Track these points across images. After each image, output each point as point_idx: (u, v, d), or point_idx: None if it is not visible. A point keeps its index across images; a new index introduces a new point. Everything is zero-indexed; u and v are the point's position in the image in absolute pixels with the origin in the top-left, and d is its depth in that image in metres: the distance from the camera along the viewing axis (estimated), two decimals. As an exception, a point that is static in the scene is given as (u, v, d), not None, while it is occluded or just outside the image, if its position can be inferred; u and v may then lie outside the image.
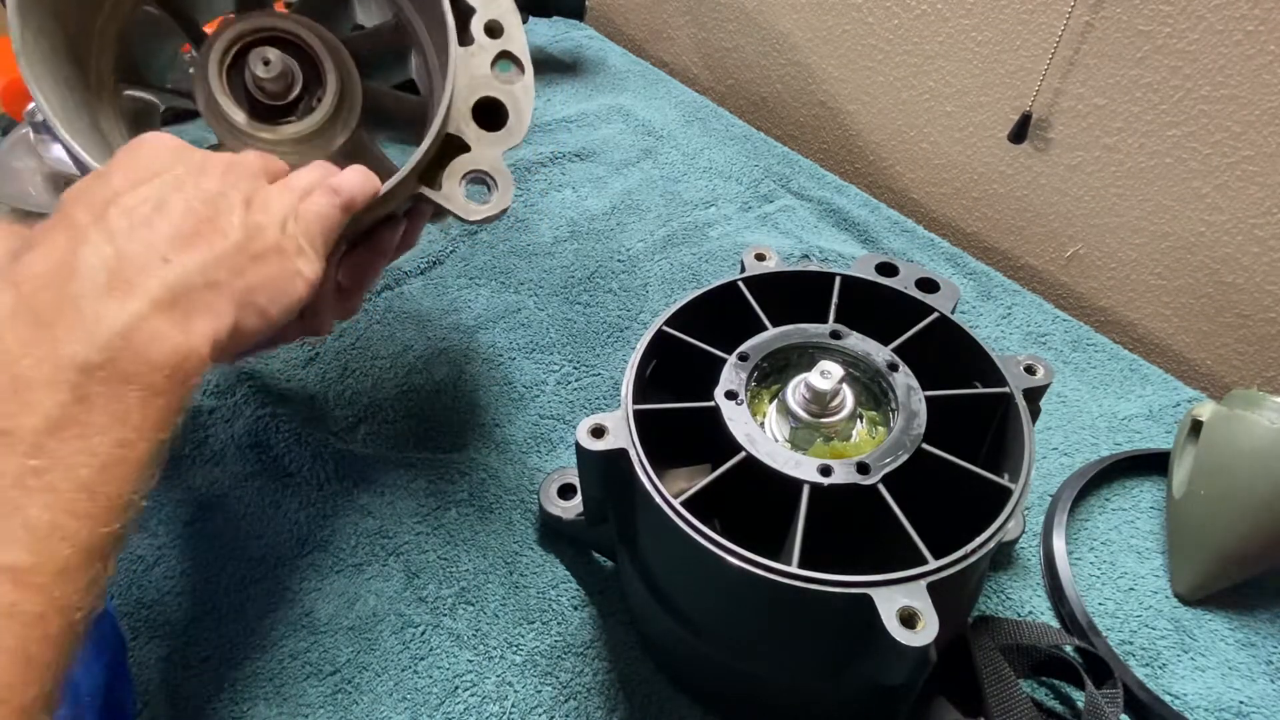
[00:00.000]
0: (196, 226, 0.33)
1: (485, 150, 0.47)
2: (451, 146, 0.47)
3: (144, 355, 0.29)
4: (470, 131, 0.47)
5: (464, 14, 0.46)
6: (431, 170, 0.46)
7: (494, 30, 0.47)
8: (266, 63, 0.44)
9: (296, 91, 0.47)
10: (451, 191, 0.47)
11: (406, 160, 0.44)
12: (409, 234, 0.48)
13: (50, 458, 0.27)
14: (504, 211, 0.47)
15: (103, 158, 0.40)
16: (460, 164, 0.47)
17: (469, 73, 0.47)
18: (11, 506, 0.26)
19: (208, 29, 0.47)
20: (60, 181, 0.81)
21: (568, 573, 0.54)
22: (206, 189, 0.34)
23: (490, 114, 0.48)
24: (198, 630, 0.51)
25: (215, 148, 0.49)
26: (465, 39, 0.46)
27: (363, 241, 0.45)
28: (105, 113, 0.46)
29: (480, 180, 0.48)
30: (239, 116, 0.46)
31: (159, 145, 0.35)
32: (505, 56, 0.48)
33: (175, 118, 0.83)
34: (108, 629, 0.44)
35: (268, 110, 0.47)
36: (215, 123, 0.46)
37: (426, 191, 0.46)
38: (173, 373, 0.30)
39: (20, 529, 0.26)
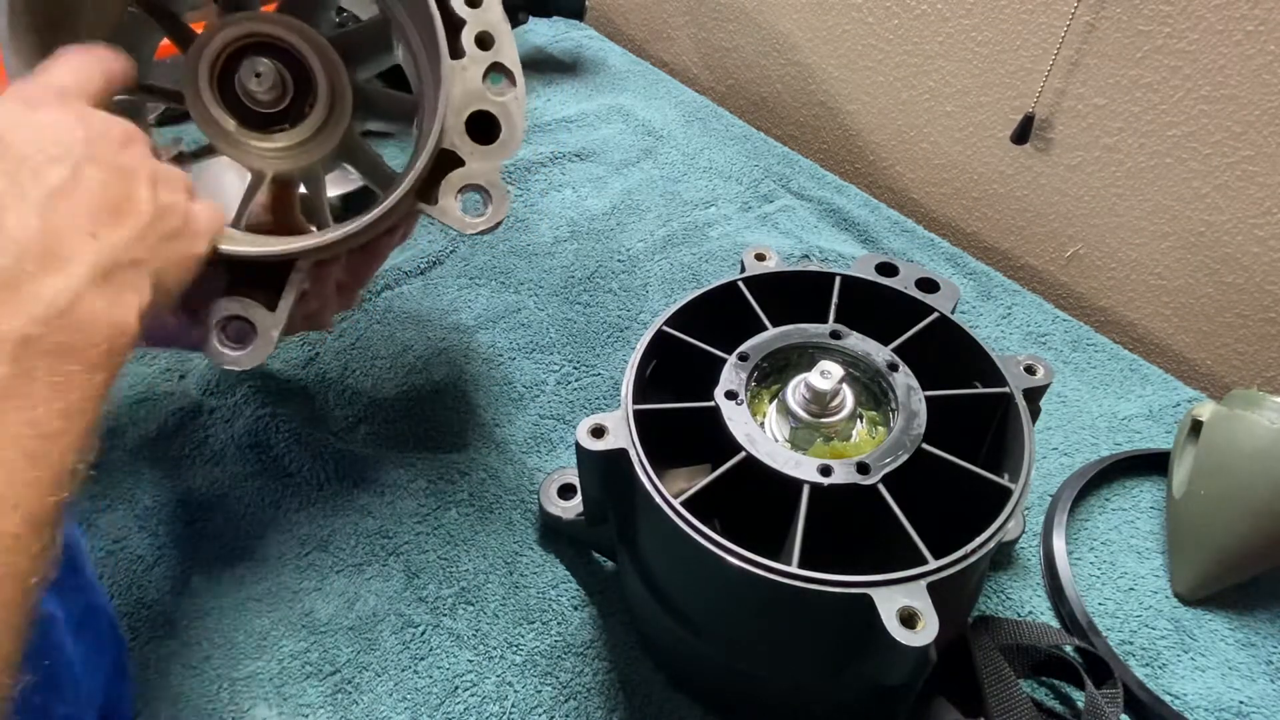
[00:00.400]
0: (116, 202, 0.33)
1: (480, 163, 0.48)
2: (446, 160, 0.47)
3: (82, 330, 0.30)
4: (464, 145, 0.47)
5: (454, 26, 0.46)
6: (428, 185, 0.47)
7: (485, 42, 0.47)
8: (258, 75, 0.44)
9: (288, 101, 0.47)
10: (448, 205, 0.47)
11: (403, 164, 0.44)
12: (404, 235, 0.50)
13: None
14: (499, 224, 0.48)
15: None
16: (456, 178, 0.47)
17: (462, 86, 0.47)
18: None
19: (195, 26, 0.47)
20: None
21: (568, 573, 0.54)
22: (119, 163, 0.34)
23: (483, 127, 0.48)
24: (198, 630, 0.51)
25: (208, 149, 0.49)
26: (456, 51, 0.46)
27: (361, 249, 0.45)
28: None
29: (476, 192, 0.48)
30: (230, 124, 0.46)
31: (57, 112, 0.35)
32: (497, 68, 0.48)
33: (172, 119, 0.83)
34: (107, 629, 0.44)
35: (260, 119, 0.47)
36: (206, 127, 0.46)
37: (423, 207, 0.47)
38: (109, 347, 0.31)
39: None
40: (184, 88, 0.45)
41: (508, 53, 0.47)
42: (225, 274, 0.44)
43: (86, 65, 0.37)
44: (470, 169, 0.47)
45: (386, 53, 0.50)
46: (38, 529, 0.28)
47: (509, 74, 0.48)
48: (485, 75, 0.47)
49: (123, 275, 0.32)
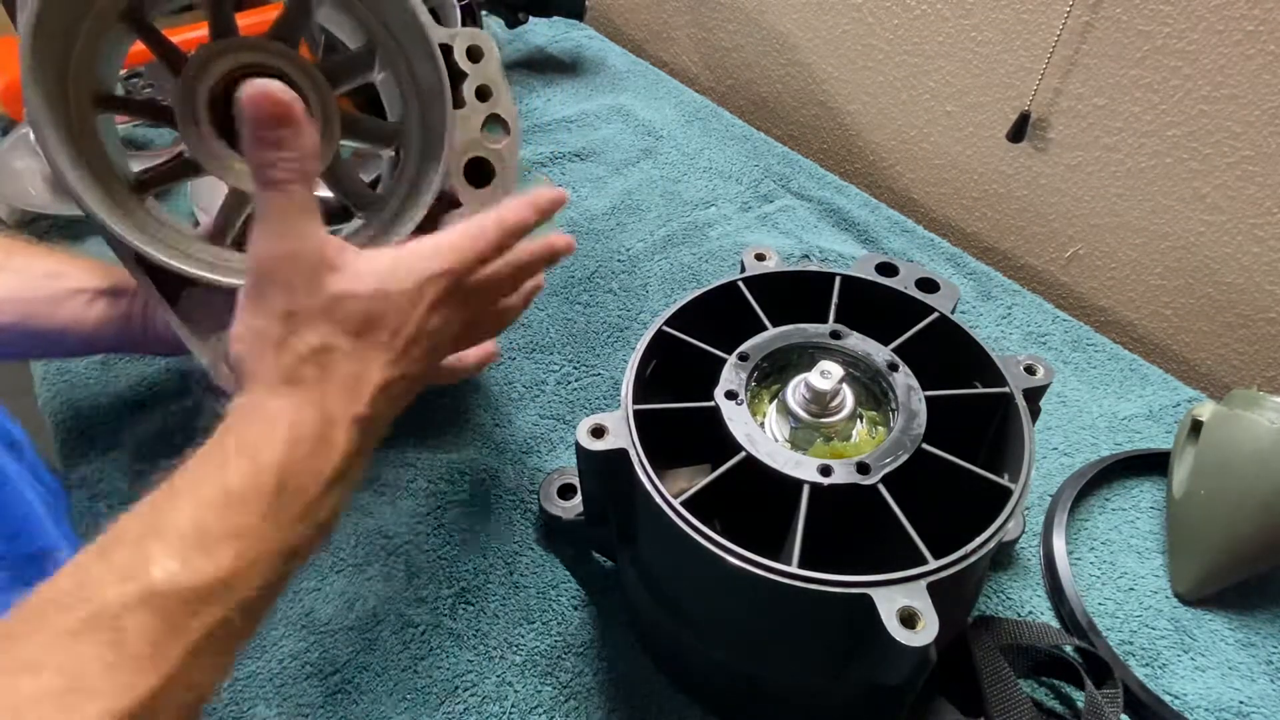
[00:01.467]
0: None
1: (474, 205, 0.51)
2: (443, 202, 0.50)
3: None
4: (462, 188, 0.51)
5: (456, 77, 0.49)
6: (426, 225, 0.50)
7: (484, 94, 0.51)
8: None
9: None
10: None
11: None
12: None
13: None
14: None
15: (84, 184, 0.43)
16: (451, 219, 0.51)
17: (462, 134, 0.50)
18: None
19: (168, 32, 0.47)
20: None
21: (568, 573, 0.54)
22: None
23: (479, 172, 0.52)
24: (198, 630, 0.51)
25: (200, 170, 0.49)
26: (458, 100, 0.49)
27: None
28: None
29: None
30: (224, 149, 0.46)
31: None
32: (494, 119, 0.51)
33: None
34: None
35: None
36: (198, 149, 0.46)
37: None
38: None
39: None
40: (177, 112, 0.46)
41: (505, 104, 0.51)
42: (233, 302, 0.45)
43: None
44: (464, 211, 0.51)
45: (367, 75, 0.51)
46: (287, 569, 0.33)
47: (505, 124, 0.52)
48: (483, 125, 0.51)
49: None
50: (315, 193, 0.37)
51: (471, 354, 0.50)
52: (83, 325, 0.52)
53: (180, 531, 0.30)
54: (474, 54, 0.50)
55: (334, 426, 0.34)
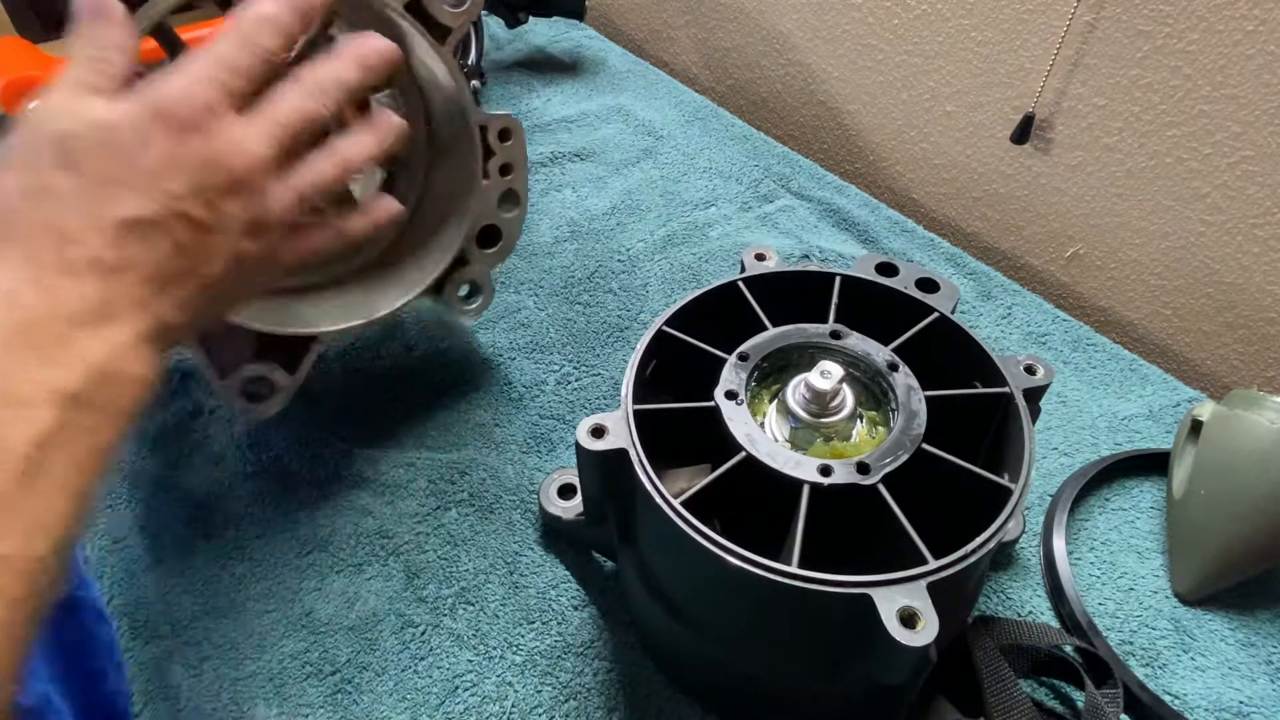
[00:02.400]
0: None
1: (480, 265, 0.59)
2: (455, 261, 0.58)
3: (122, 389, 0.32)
4: (472, 250, 0.58)
5: (487, 153, 0.55)
6: (439, 281, 0.58)
7: (506, 170, 0.57)
8: None
9: None
10: (450, 297, 0.59)
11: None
12: None
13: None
14: (483, 309, 0.61)
15: None
16: (460, 277, 0.59)
17: (480, 205, 0.56)
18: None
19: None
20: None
21: (568, 573, 0.54)
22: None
23: (489, 237, 0.59)
24: (198, 630, 0.51)
25: None
26: (485, 171, 0.56)
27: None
28: None
29: (472, 286, 0.61)
30: None
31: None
32: (510, 195, 0.58)
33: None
34: (105, 629, 0.44)
35: None
36: None
37: (431, 300, 0.59)
38: (140, 399, 0.33)
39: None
40: None
41: (521, 180, 0.58)
42: (254, 340, 0.52)
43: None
44: (472, 269, 0.59)
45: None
46: (60, 554, 0.28)
47: (517, 197, 0.59)
48: (500, 199, 0.58)
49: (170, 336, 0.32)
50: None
51: (373, 208, 0.40)
52: None
53: None
54: (504, 135, 0.56)
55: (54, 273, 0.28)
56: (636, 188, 0.86)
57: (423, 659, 0.50)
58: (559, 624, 0.52)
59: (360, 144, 0.37)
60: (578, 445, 0.42)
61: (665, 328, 0.48)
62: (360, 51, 0.36)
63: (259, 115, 0.33)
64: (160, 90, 0.31)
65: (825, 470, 0.39)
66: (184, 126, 0.31)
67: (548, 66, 1.06)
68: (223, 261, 0.33)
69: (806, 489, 0.39)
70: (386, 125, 0.38)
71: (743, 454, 0.40)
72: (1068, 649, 0.48)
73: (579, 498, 0.53)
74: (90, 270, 0.29)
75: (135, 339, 0.30)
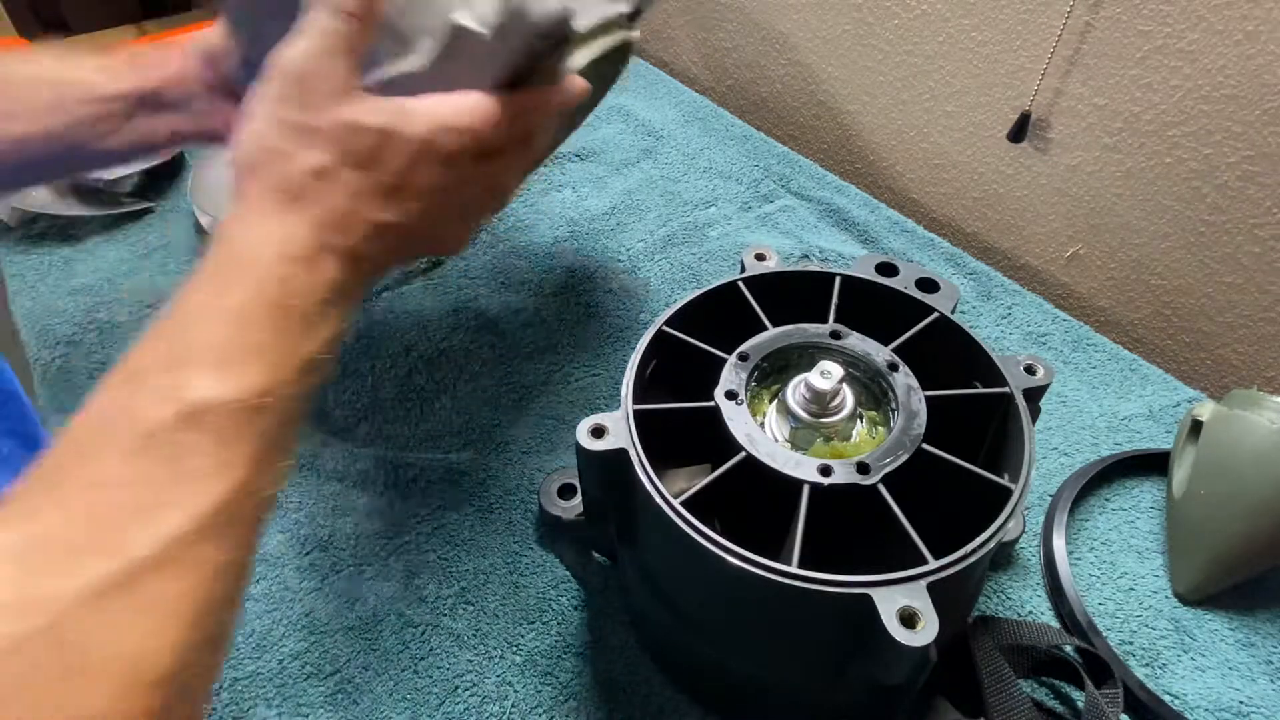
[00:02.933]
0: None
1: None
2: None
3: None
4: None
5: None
6: None
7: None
8: None
9: None
10: None
11: None
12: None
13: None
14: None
15: None
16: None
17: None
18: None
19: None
20: (61, 183, 0.81)
21: (567, 573, 0.54)
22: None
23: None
24: (198, 630, 0.51)
25: None
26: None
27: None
28: None
29: None
30: None
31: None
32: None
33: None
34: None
35: None
36: None
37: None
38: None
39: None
40: None
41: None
42: None
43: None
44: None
45: None
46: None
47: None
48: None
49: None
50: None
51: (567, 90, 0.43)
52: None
53: (204, 353, 0.31)
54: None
55: (323, 251, 0.34)
56: (636, 188, 0.86)
57: (423, 659, 0.50)
58: (559, 624, 0.52)
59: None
60: (578, 445, 0.42)
61: (665, 328, 0.48)
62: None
63: (520, 154, 0.41)
64: (451, 118, 0.37)
65: (825, 470, 0.39)
66: (452, 160, 0.37)
67: (548, 66, 1.05)
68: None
69: (806, 489, 0.39)
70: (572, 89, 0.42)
71: (743, 454, 0.40)
72: (1068, 649, 0.48)
73: (579, 498, 0.53)
74: (344, 256, 0.35)
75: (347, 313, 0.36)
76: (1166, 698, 0.48)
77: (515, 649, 0.50)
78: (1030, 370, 0.45)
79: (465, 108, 0.37)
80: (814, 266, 0.52)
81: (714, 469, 0.41)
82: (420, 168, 0.36)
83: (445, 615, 0.52)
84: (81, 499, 0.27)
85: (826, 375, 0.42)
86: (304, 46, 0.35)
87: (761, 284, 0.50)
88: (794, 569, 0.35)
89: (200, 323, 0.32)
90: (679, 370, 0.47)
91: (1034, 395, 0.45)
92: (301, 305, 0.33)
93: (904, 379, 0.44)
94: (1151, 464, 0.60)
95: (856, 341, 0.47)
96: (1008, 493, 0.39)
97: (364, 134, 0.35)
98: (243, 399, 0.30)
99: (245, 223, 0.34)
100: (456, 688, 0.49)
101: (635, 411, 0.43)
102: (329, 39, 0.35)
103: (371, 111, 0.35)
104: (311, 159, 0.34)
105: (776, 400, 0.45)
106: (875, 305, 0.49)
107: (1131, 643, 0.51)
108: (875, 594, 0.35)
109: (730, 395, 0.43)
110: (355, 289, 0.37)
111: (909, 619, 0.34)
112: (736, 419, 0.42)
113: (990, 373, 0.45)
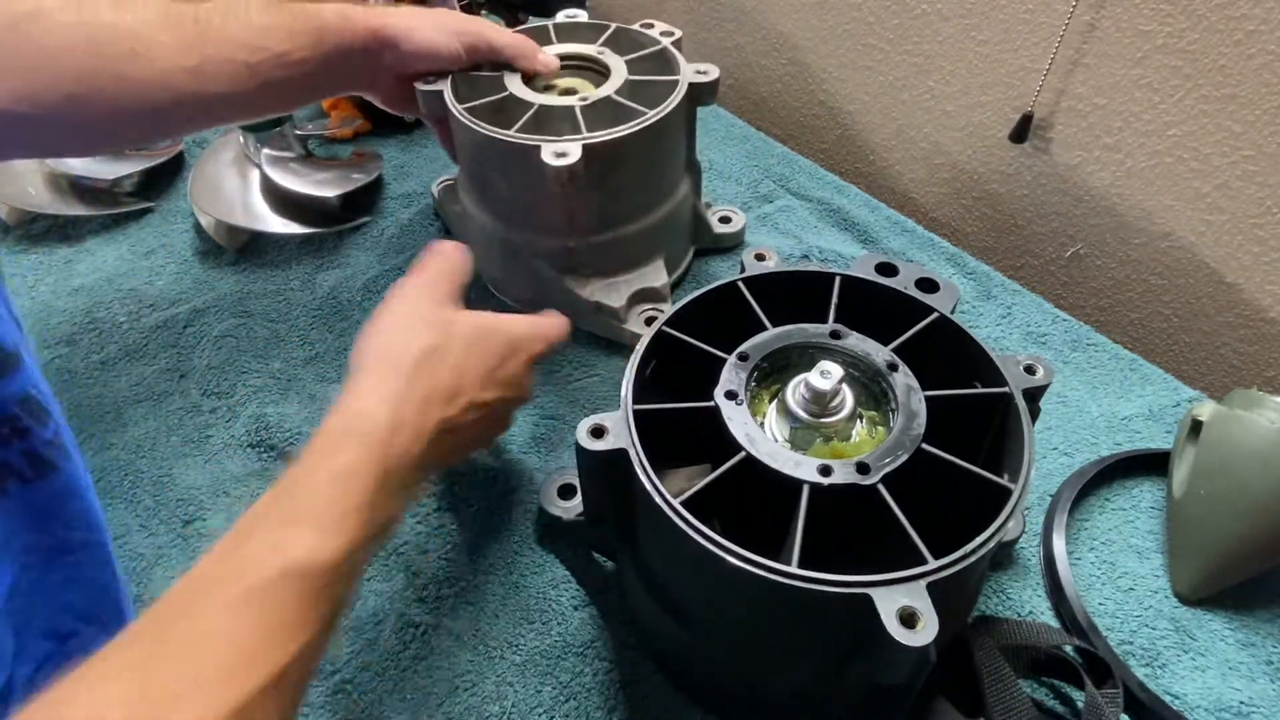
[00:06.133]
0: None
1: None
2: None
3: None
4: None
5: None
6: None
7: None
8: None
9: None
10: None
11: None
12: None
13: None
14: None
15: None
16: None
17: None
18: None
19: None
20: (60, 182, 0.81)
21: (568, 573, 0.54)
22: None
23: None
24: (198, 630, 0.51)
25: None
26: None
27: None
28: None
29: None
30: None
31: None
32: None
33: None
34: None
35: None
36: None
37: None
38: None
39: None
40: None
41: None
42: None
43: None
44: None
45: None
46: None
47: None
48: None
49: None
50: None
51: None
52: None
53: (312, 512, 0.35)
54: None
55: (427, 419, 0.41)
56: (636, 188, 0.86)
57: (423, 659, 0.50)
58: (559, 624, 0.52)
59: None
60: (578, 445, 0.42)
61: (665, 328, 0.48)
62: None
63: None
64: (545, 326, 0.50)
65: (825, 470, 0.39)
66: (532, 360, 0.49)
67: (548, 66, 1.05)
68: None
69: (806, 489, 0.39)
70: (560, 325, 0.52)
71: (743, 454, 0.40)
72: (1068, 649, 0.48)
73: (579, 498, 0.53)
74: (413, 465, 0.40)
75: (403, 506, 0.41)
76: (1166, 698, 0.48)
77: (515, 649, 0.50)
78: (1030, 370, 0.45)
79: (558, 321, 0.50)
80: (814, 266, 0.52)
81: (714, 469, 0.41)
82: (510, 361, 0.46)
83: (445, 615, 0.52)
84: (184, 652, 0.30)
85: (826, 375, 0.42)
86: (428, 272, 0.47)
87: (761, 284, 0.50)
88: (794, 569, 0.35)
89: (309, 483, 0.36)
90: (679, 370, 0.47)
91: (1034, 395, 0.45)
92: (399, 470, 0.38)
93: (904, 379, 0.44)
94: (1151, 464, 0.60)
95: (856, 341, 0.47)
96: (1008, 493, 0.39)
97: (467, 325, 0.44)
98: (335, 562, 0.34)
99: (359, 392, 0.40)
100: (456, 688, 0.49)
101: (635, 411, 0.43)
102: (442, 268, 0.47)
103: (475, 314, 0.46)
104: (426, 339, 0.42)
105: (776, 400, 0.45)
106: (875, 305, 0.49)
107: (1131, 643, 0.51)
108: (875, 594, 0.35)
109: (730, 395, 0.43)
110: (439, 463, 0.43)
111: (909, 619, 0.34)
112: (736, 419, 0.42)
113: (990, 373, 0.45)
